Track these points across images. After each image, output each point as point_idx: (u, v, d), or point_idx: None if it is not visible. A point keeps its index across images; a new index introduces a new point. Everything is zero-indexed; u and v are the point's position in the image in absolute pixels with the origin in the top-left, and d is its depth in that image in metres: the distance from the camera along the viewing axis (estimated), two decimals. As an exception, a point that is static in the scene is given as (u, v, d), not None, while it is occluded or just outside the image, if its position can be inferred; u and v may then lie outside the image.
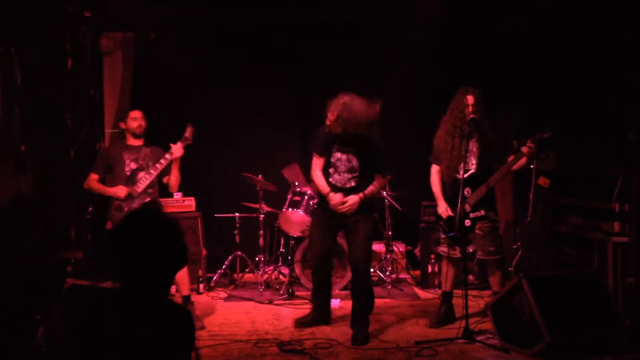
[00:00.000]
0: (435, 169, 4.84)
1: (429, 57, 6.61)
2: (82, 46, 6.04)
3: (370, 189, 4.57)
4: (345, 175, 4.59)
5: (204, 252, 6.28)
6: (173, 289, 5.87)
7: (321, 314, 4.84)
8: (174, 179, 4.86)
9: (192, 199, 6.32)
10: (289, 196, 6.03)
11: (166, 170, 4.84)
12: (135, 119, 4.92)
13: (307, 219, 5.84)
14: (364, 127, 4.41)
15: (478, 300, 5.36)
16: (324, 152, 4.68)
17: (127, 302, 1.99)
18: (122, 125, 4.99)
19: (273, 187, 6.19)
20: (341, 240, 5.19)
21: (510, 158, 4.59)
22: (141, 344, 1.93)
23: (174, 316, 2.04)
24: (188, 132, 4.79)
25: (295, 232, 5.98)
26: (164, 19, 6.45)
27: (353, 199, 4.50)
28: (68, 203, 5.75)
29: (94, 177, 4.91)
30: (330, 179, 4.64)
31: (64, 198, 5.70)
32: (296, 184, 6.11)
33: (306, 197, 5.90)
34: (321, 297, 4.86)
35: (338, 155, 4.60)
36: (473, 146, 4.64)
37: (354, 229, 4.57)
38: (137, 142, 4.95)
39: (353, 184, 4.58)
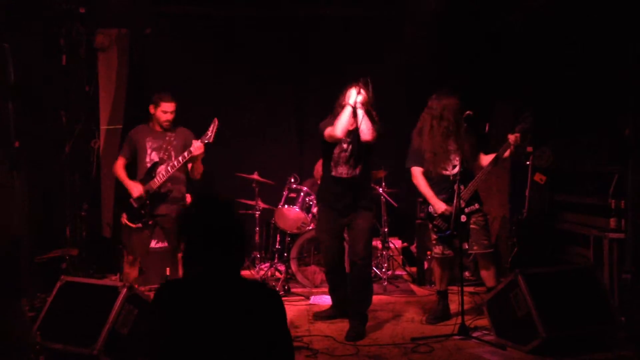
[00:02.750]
0: (419, 171, 4.78)
1: (424, 53, 6.60)
2: (77, 42, 6.01)
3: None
4: (351, 164, 4.55)
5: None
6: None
7: (339, 310, 4.86)
8: (195, 171, 4.79)
9: (189, 195, 6.30)
10: (285, 193, 6.02)
11: (188, 161, 4.71)
12: (166, 113, 4.73)
13: (303, 215, 5.83)
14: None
15: (474, 297, 5.36)
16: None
17: (213, 288, 2.06)
18: (151, 110, 4.78)
19: (269, 182, 6.19)
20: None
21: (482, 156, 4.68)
22: (235, 326, 2.00)
23: (260, 295, 2.10)
24: (210, 130, 4.57)
25: (291, 229, 5.97)
26: (160, 16, 6.44)
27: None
28: (63, 200, 5.74)
29: (121, 161, 4.81)
30: (334, 173, 4.58)
31: (59, 195, 5.69)
32: (292, 180, 6.10)
33: (302, 194, 5.89)
34: (338, 295, 4.87)
35: (344, 146, 4.54)
36: (455, 143, 4.66)
37: (356, 223, 4.57)
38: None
39: (357, 172, 4.56)
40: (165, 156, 4.73)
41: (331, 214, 4.67)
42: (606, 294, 4.18)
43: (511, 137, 4.53)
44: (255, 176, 6.04)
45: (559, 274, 4.28)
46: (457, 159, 4.64)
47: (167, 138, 4.77)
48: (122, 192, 4.82)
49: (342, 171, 4.55)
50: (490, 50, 6.59)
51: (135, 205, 4.66)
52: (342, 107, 4.46)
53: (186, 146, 4.67)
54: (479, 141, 4.80)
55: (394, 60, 6.61)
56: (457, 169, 4.62)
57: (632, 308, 4.24)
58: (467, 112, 4.53)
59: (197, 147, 4.56)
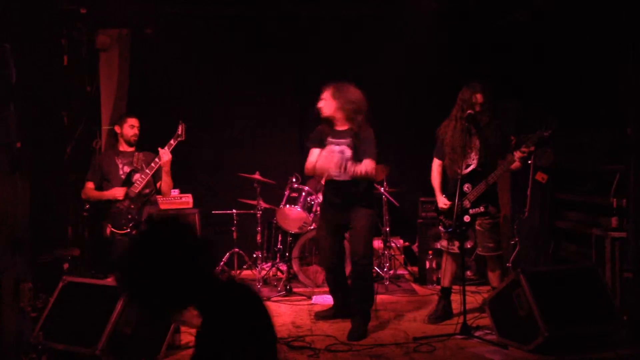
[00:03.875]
0: (436, 163, 4.83)
1: (426, 52, 6.60)
2: (78, 43, 6.01)
3: (359, 168, 4.44)
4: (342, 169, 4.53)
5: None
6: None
7: (340, 310, 4.84)
8: (164, 185, 4.88)
9: (190, 195, 6.31)
10: (287, 192, 6.02)
11: (158, 175, 4.85)
12: (133, 127, 4.93)
13: (305, 215, 5.83)
14: (354, 112, 4.49)
15: (476, 296, 5.35)
16: (317, 147, 4.67)
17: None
18: (117, 129, 4.97)
19: (271, 181, 6.21)
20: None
21: (510, 156, 4.59)
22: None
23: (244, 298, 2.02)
24: (180, 129, 4.79)
25: (292, 229, 5.97)
26: (162, 16, 6.43)
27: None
28: (64, 200, 5.73)
29: (90, 185, 4.92)
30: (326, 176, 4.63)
31: (61, 195, 5.69)
32: (293, 180, 6.09)
33: (303, 194, 5.89)
34: (338, 295, 4.87)
35: (331, 147, 4.56)
36: (475, 142, 4.63)
37: (355, 223, 4.56)
38: (129, 149, 4.97)
39: (349, 177, 4.53)
40: (139, 167, 4.86)
41: (329, 212, 4.71)
42: (608, 292, 4.18)
43: (524, 150, 4.44)
44: (257, 176, 6.04)
45: (560, 273, 4.28)
46: (476, 157, 4.63)
47: (135, 156, 4.92)
48: (102, 209, 4.88)
49: (334, 175, 4.56)
50: (491, 50, 6.59)
51: (121, 208, 4.69)
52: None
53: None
54: (507, 140, 4.74)
55: (394, 60, 6.61)
56: (470, 168, 4.60)
57: (634, 307, 4.24)
58: (469, 111, 4.53)
59: (164, 152, 4.71)
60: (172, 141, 4.77)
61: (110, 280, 4.93)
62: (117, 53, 6.56)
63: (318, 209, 5.89)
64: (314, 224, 5.84)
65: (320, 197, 5.78)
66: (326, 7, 6.72)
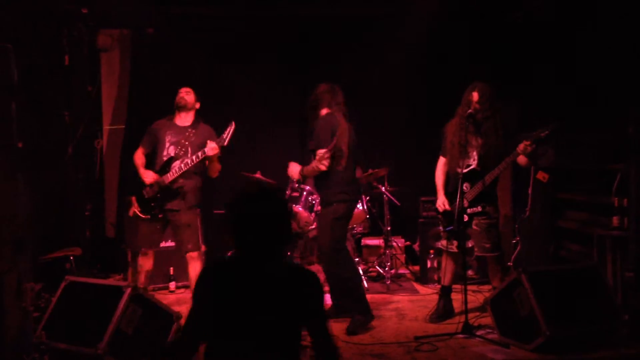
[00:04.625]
0: (441, 161, 4.85)
1: (426, 52, 6.60)
2: (79, 43, 6.02)
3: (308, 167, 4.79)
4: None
5: (203, 248, 6.25)
6: (172, 285, 5.89)
7: (337, 308, 4.84)
8: (212, 168, 4.79)
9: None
10: (288, 192, 6.02)
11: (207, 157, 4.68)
12: (180, 93, 4.79)
13: (306, 214, 5.83)
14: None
15: (477, 295, 5.35)
16: None
17: (250, 268, 2.31)
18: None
19: (272, 182, 6.20)
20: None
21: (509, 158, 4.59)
22: (270, 303, 2.27)
23: (296, 275, 2.37)
24: (226, 133, 4.58)
25: (293, 228, 5.97)
26: (162, 16, 6.44)
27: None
28: (66, 200, 5.74)
29: (140, 150, 4.83)
30: None
31: (62, 195, 5.69)
32: (294, 179, 6.09)
33: (305, 193, 5.89)
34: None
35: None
36: (476, 141, 4.63)
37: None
38: (185, 122, 4.78)
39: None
40: (182, 152, 4.70)
41: None
42: (609, 292, 4.19)
43: (520, 147, 4.41)
44: (258, 175, 6.04)
45: (562, 273, 4.29)
46: (476, 157, 4.63)
47: (187, 134, 4.74)
48: (134, 184, 4.81)
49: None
50: (491, 50, 6.59)
51: (146, 195, 4.66)
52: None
53: (205, 144, 4.62)
54: (510, 138, 4.69)
55: (394, 60, 6.61)
56: (470, 168, 4.60)
57: (636, 306, 4.24)
58: (469, 110, 4.54)
59: (211, 148, 4.55)
60: (214, 143, 4.57)
61: (112, 280, 4.93)
62: (118, 53, 6.57)
63: (319, 208, 5.89)
64: (315, 224, 5.83)
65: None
66: (326, 7, 6.72)
